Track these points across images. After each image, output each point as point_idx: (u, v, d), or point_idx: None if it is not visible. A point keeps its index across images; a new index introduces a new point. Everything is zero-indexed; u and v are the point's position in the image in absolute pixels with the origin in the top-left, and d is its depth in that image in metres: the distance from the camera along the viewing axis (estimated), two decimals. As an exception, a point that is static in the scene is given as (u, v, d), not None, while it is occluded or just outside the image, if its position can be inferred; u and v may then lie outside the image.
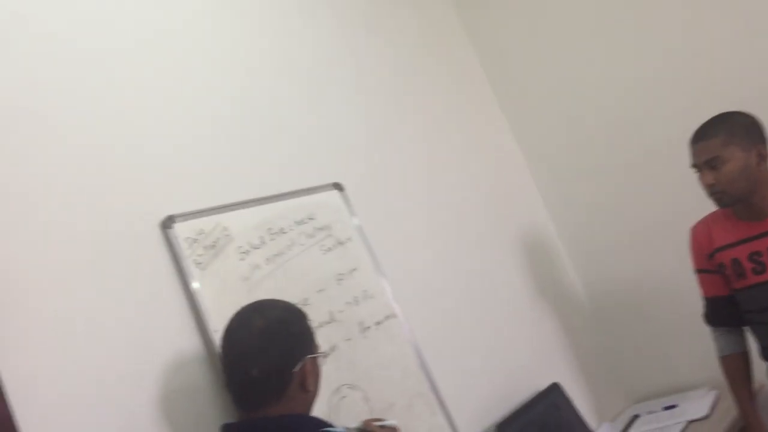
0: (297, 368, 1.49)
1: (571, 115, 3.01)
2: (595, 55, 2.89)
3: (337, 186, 2.30)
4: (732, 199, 1.96)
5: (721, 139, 1.93)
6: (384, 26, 2.84)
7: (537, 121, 3.13)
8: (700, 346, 2.77)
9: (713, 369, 2.76)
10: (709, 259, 2.10)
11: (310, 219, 2.16)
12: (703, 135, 1.98)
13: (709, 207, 2.14)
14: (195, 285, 1.80)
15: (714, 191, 1.96)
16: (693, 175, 2.63)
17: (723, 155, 1.92)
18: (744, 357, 2.16)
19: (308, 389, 1.52)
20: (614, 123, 2.90)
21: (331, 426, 1.51)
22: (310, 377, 1.52)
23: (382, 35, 2.81)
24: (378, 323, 2.19)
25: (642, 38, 2.78)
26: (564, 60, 2.98)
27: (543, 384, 2.61)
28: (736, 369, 2.15)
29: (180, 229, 1.83)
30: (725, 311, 2.14)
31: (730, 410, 2.50)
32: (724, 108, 2.05)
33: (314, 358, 1.55)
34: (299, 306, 1.63)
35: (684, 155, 2.67)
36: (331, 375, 1.99)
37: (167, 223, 1.81)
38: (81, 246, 1.65)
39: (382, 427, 1.65)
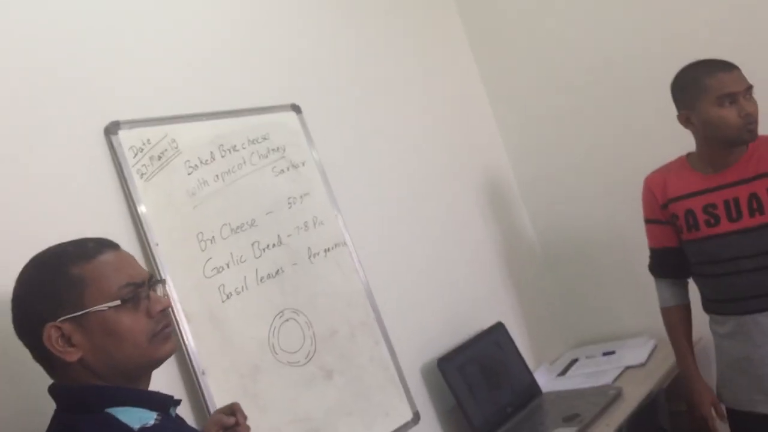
0: (43, 338, 1.17)
1: (541, 60, 2.95)
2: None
3: (295, 108, 2.23)
4: (756, 134, 1.90)
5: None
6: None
7: (505, 64, 3.07)
8: (642, 296, 2.82)
9: (653, 318, 2.81)
10: (662, 209, 2.09)
11: (264, 139, 2.10)
12: (733, 64, 1.91)
13: (667, 159, 2.13)
14: (137, 196, 1.73)
15: (752, 120, 1.88)
16: (653, 129, 2.66)
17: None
18: (686, 309, 2.19)
19: (66, 361, 1.17)
20: (582, 72, 2.85)
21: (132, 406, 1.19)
22: (72, 345, 1.18)
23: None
24: (327, 250, 2.16)
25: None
26: (540, 2, 2.91)
27: (487, 323, 2.63)
28: (678, 320, 2.18)
29: (125, 137, 1.75)
30: (672, 262, 2.15)
31: (667, 359, 2.57)
32: (692, 57, 2.01)
33: (78, 318, 1.18)
34: (62, 251, 1.23)
35: (644, 109, 2.68)
36: (275, 298, 1.97)
37: (112, 129, 1.73)
38: (22, 154, 1.57)
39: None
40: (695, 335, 2.31)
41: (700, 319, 2.18)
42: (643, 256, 2.25)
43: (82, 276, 1.19)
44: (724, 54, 1.96)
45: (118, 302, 1.19)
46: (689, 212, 2.01)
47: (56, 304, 1.18)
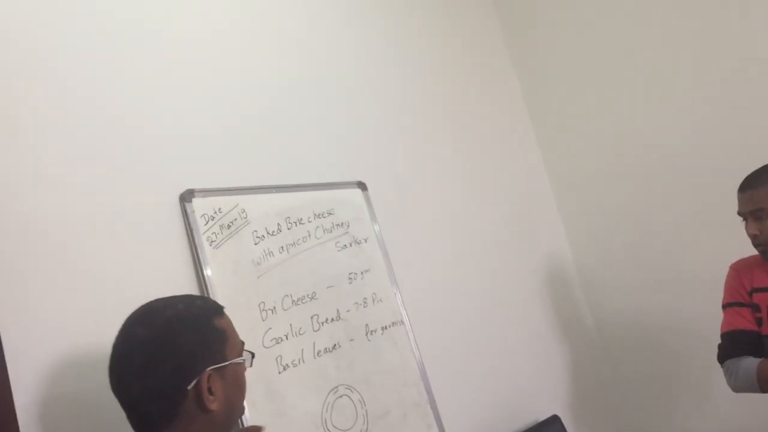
0: (192, 385, 1.21)
1: (603, 149, 2.96)
2: (635, 92, 2.85)
3: (361, 185, 2.28)
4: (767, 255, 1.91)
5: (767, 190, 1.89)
6: (430, 35, 2.82)
7: (568, 152, 3.09)
8: (708, 397, 2.70)
9: (721, 424, 2.71)
10: (748, 295, 2.03)
11: (329, 214, 2.14)
12: (751, 184, 1.93)
13: (737, 251, 2.08)
14: (205, 261, 1.77)
15: (757, 242, 1.93)
16: (717, 216, 2.60)
17: None
18: None
19: (208, 408, 1.23)
20: (644, 156, 2.85)
21: None
22: (212, 393, 1.23)
23: (429, 48, 2.79)
24: (384, 328, 2.15)
25: (681, 76, 2.72)
26: (603, 94, 2.94)
27: (543, 414, 2.55)
28: None
29: (198, 205, 1.81)
30: (752, 344, 1.97)
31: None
32: (762, 152, 1.99)
33: (221, 369, 1.25)
34: (210, 303, 1.34)
35: (712, 200, 2.64)
36: (330, 374, 1.95)
37: (186, 197, 1.80)
38: (103, 214, 1.64)
39: None
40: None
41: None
42: (704, 351, 2.14)
43: (223, 330, 1.28)
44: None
45: (251, 355, 1.31)
46: None
47: (207, 354, 1.24)
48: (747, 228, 1.94)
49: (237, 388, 1.29)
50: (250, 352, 1.34)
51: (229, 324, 1.31)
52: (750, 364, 1.93)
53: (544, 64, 3.13)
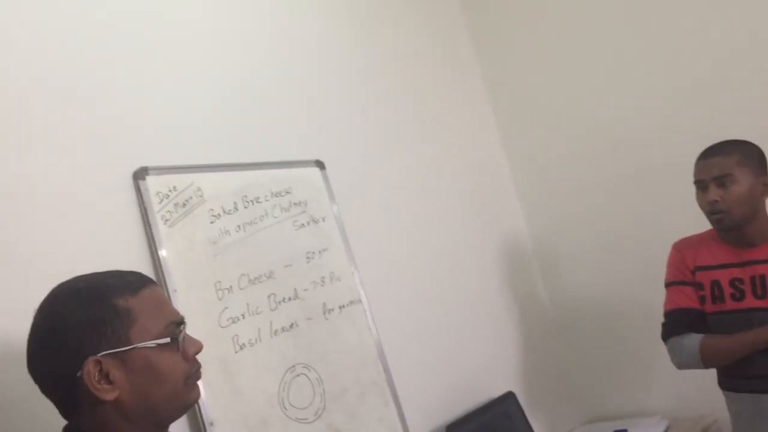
0: (81, 372, 1.07)
1: (561, 126, 2.99)
2: (594, 70, 2.88)
3: (319, 164, 2.26)
4: (732, 222, 1.92)
5: (736, 158, 1.91)
6: (389, 17, 2.80)
7: (526, 128, 3.11)
8: (657, 373, 2.78)
9: (667, 397, 2.79)
10: (690, 274, 2.06)
11: (287, 192, 2.12)
12: (717, 151, 1.95)
13: (689, 232, 2.13)
14: (160, 240, 1.75)
15: (716, 209, 1.92)
16: (671, 198, 2.66)
17: (735, 174, 1.90)
18: None
19: (102, 399, 1.08)
20: (602, 139, 2.89)
21: None
22: (109, 382, 1.09)
23: (386, 25, 2.77)
24: (342, 307, 2.15)
25: (645, 56, 2.76)
26: (563, 71, 2.97)
27: (498, 391, 2.59)
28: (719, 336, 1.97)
29: (152, 182, 1.78)
30: (694, 322, 2.02)
31: (679, 442, 2.51)
32: (720, 134, 2.03)
33: (121, 354, 1.09)
34: (127, 279, 1.17)
35: (667, 178, 2.69)
36: (288, 352, 1.95)
37: (140, 174, 1.76)
38: (52, 192, 1.60)
39: None
40: (710, 417, 2.26)
41: (715, 397, 2.12)
42: (652, 328, 2.20)
43: (128, 309, 1.11)
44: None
45: (167, 340, 1.13)
46: (715, 283, 1.99)
47: (99, 337, 1.08)
48: (706, 196, 1.93)
49: (150, 376, 1.11)
50: (176, 326, 1.16)
51: (145, 302, 1.14)
52: (693, 341, 1.99)
53: (504, 40, 3.14)
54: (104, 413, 1.10)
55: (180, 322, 1.19)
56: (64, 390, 1.10)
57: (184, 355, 1.16)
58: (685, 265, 2.08)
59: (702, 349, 1.97)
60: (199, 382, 1.23)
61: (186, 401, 1.17)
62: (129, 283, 1.15)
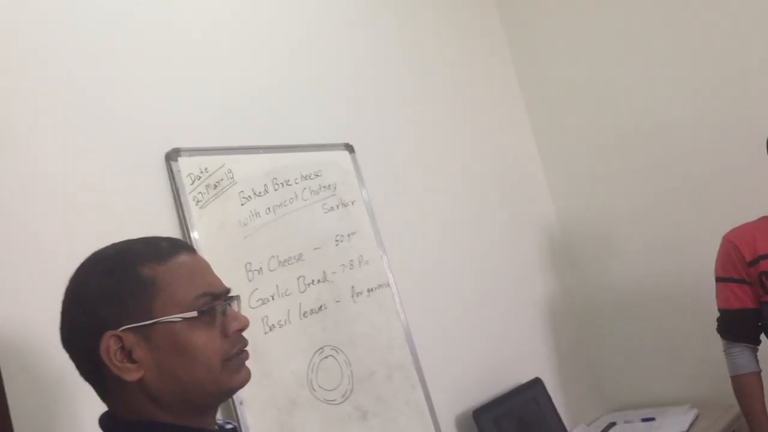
0: (101, 349, 0.96)
1: (593, 118, 2.97)
2: (625, 60, 2.84)
3: (349, 147, 2.26)
4: None
5: None
6: (427, 6, 2.79)
7: (558, 121, 3.09)
8: (686, 362, 2.75)
9: (697, 387, 2.76)
10: (747, 267, 1.98)
11: (317, 175, 2.13)
12: None
13: (721, 219, 2.09)
14: (191, 221, 1.76)
15: None
16: (702, 185, 2.61)
17: None
18: (760, 377, 2.05)
19: (124, 379, 0.96)
20: (635, 131, 2.85)
21: None
22: (133, 361, 0.97)
23: (422, 15, 2.77)
24: (370, 290, 2.16)
25: (677, 43, 2.72)
26: (594, 63, 2.93)
27: (526, 377, 2.59)
28: (756, 389, 2.02)
29: (184, 164, 1.80)
30: (748, 326, 2.02)
31: (708, 430, 2.48)
32: (753, 122, 1.99)
33: (144, 329, 0.97)
34: (155, 245, 1.03)
35: (698, 165, 2.65)
36: (316, 334, 1.97)
37: (172, 155, 1.78)
38: (86, 174, 1.62)
39: None
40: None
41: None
42: (689, 318, 2.18)
43: (153, 279, 0.98)
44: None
45: (195, 314, 0.98)
46: None
47: (120, 309, 0.97)
48: None
49: (177, 354, 0.97)
50: (213, 298, 1.02)
51: (175, 271, 1.00)
52: (736, 367, 2.05)
53: (535, 28, 3.11)
54: (130, 395, 0.98)
55: (220, 293, 1.04)
56: (90, 369, 1.00)
57: (224, 331, 1.01)
58: (740, 259, 2.00)
59: (733, 384, 2.06)
60: (248, 363, 1.06)
61: (225, 385, 1.01)
62: (159, 249, 1.02)
